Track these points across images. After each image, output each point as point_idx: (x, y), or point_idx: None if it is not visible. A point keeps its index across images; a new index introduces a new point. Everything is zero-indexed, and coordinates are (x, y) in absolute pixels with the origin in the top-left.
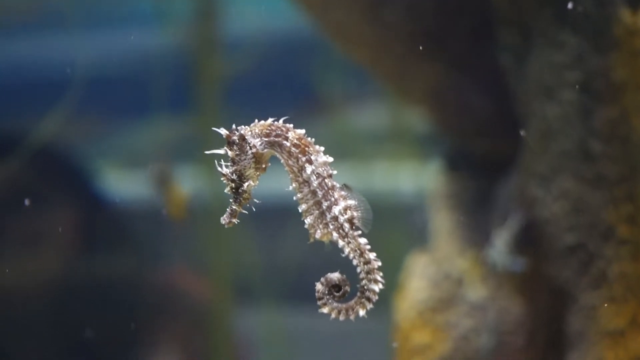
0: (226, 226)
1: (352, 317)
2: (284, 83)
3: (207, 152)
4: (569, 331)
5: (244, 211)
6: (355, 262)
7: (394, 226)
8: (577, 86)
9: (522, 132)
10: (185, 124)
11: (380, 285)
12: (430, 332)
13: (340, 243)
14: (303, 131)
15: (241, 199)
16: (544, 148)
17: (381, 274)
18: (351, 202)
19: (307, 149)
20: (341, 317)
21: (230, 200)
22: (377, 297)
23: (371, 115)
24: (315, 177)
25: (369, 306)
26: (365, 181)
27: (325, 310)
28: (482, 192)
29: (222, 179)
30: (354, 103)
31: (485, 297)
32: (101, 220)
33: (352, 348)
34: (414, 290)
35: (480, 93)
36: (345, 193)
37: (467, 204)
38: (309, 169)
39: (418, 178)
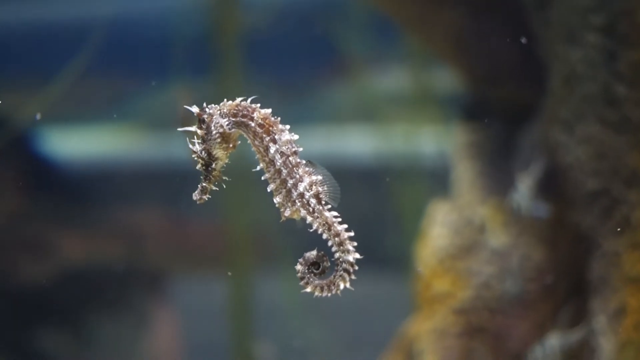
0: (197, 202)
1: (334, 291)
2: (304, 43)
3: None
4: (591, 278)
5: (214, 188)
6: (325, 236)
7: (415, 188)
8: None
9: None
10: (206, 85)
11: (355, 255)
12: (451, 279)
13: (309, 219)
14: (269, 111)
15: (211, 176)
16: (567, 93)
17: (354, 243)
18: (316, 177)
19: (271, 128)
20: (325, 293)
21: (201, 177)
22: (355, 267)
23: (394, 78)
24: (279, 156)
25: (348, 277)
26: (387, 144)
27: (308, 289)
28: (504, 140)
29: (192, 155)
30: (376, 65)
31: (507, 243)
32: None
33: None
34: (435, 237)
35: (503, 38)
36: (310, 169)
37: (489, 152)
38: (272, 148)
39: (440, 141)
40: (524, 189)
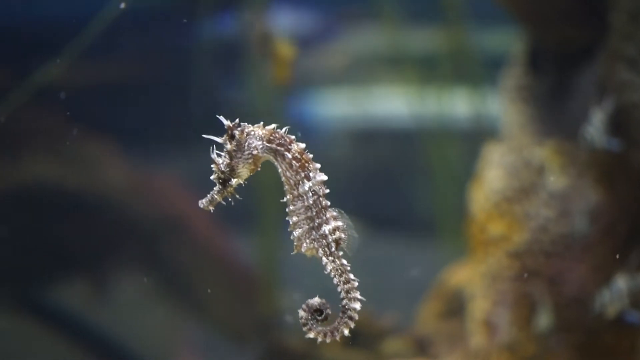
0: (203, 209)
1: (337, 337)
2: None
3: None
4: None
5: (222, 202)
6: (335, 280)
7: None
8: None
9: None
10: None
11: (360, 304)
12: (506, 222)
13: (324, 260)
14: (304, 145)
15: (225, 191)
16: (633, 29)
17: (359, 292)
18: (341, 223)
19: (307, 164)
20: (327, 340)
21: (215, 188)
22: (357, 316)
23: (425, 37)
24: (311, 194)
25: (352, 324)
26: (415, 104)
27: (311, 335)
28: (558, 82)
29: (212, 166)
30: (409, 22)
31: (566, 185)
32: None
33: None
34: (490, 179)
35: None
36: (337, 214)
37: (540, 95)
38: (306, 185)
39: (471, 103)
40: (597, 123)
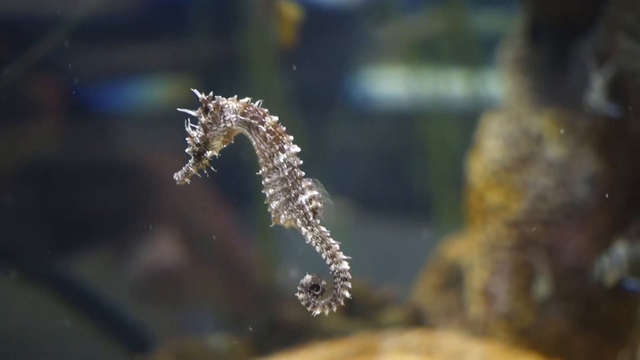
0: (178, 183)
1: (341, 302)
2: None
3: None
4: None
5: (197, 174)
6: (317, 248)
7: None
8: None
9: None
10: None
11: (347, 264)
12: (505, 191)
13: (304, 230)
14: (277, 118)
15: (200, 163)
16: None
17: (342, 253)
18: (316, 192)
19: (280, 137)
20: (334, 309)
21: (190, 161)
22: (350, 274)
23: (423, 19)
24: (286, 166)
25: (349, 285)
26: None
27: (317, 311)
28: (558, 53)
29: (187, 139)
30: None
31: (564, 155)
32: None
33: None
34: (489, 149)
35: None
36: (312, 184)
37: (541, 66)
38: (281, 157)
39: (469, 84)
40: (598, 89)
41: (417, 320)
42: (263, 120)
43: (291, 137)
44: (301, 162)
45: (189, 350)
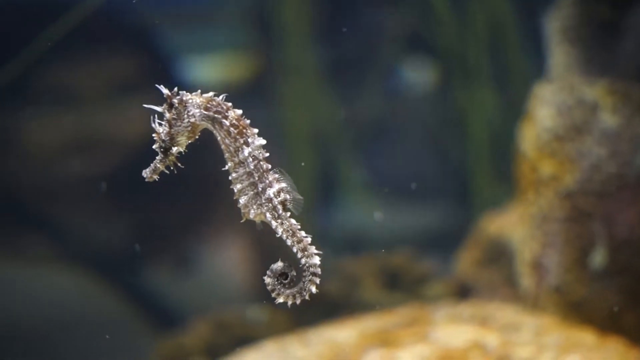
0: (146, 180)
1: (306, 296)
2: None
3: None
4: None
5: (165, 171)
6: (289, 242)
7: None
8: None
9: None
10: None
11: (318, 258)
12: (558, 161)
13: (274, 224)
14: (240, 112)
15: (167, 159)
16: None
17: (314, 247)
18: (284, 185)
19: (244, 130)
20: (298, 301)
21: (157, 157)
22: (320, 270)
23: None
24: (251, 159)
25: (318, 280)
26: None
27: (281, 299)
28: (609, 23)
29: (153, 135)
30: None
31: (618, 124)
32: None
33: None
34: (542, 118)
35: None
36: (279, 176)
37: (590, 36)
38: (246, 151)
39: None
40: None
41: (461, 293)
42: (226, 114)
43: (256, 130)
44: (267, 154)
45: (227, 320)
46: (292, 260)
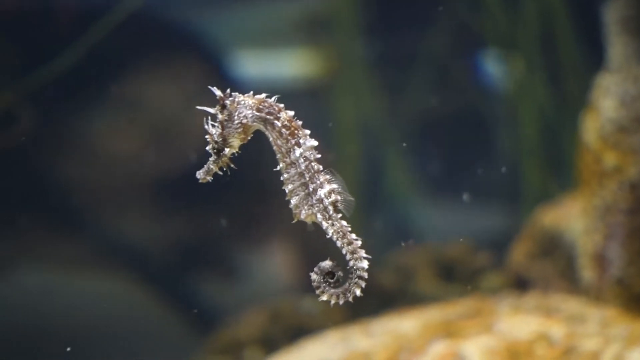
0: (200, 181)
1: (350, 298)
2: None
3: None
4: None
5: (219, 172)
6: (339, 243)
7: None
8: None
9: None
10: None
11: (367, 263)
12: (621, 153)
13: (324, 225)
14: (292, 113)
15: (220, 161)
16: None
17: (364, 251)
18: (335, 186)
19: (296, 131)
20: (340, 302)
21: (210, 159)
22: (367, 274)
23: None
24: (303, 160)
25: (363, 284)
26: None
27: (324, 297)
28: None
29: (206, 137)
30: None
31: None
32: None
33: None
34: (605, 109)
35: None
36: (330, 177)
37: None
38: (297, 151)
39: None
40: None
41: (518, 285)
42: (278, 115)
43: (307, 131)
44: (319, 155)
45: (282, 311)
46: (340, 261)
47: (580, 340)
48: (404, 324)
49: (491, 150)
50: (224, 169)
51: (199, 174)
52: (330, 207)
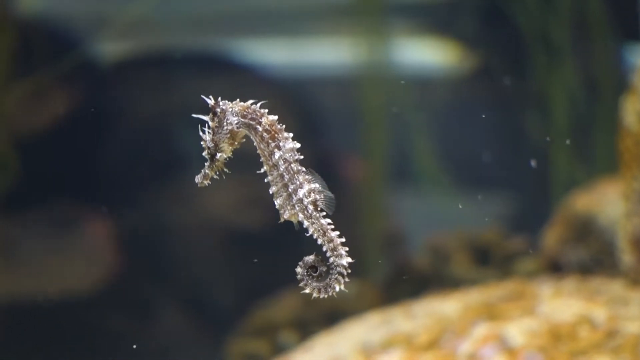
0: (199, 186)
1: (331, 293)
2: None
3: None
4: None
5: (215, 176)
6: (319, 241)
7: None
8: None
9: None
10: None
11: (348, 259)
12: None
13: (305, 223)
14: (275, 118)
15: (214, 165)
16: None
17: (346, 248)
18: (314, 185)
19: (277, 135)
20: (322, 295)
21: (206, 164)
22: (348, 270)
23: None
24: (282, 162)
25: (342, 280)
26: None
27: (307, 290)
28: None
29: (201, 142)
30: None
31: None
32: None
33: None
34: None
35: None
36: (309, 177)
37: None
38: (277, 154)
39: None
40: None
41: (553, 270)
42: (260, 120)
43: (290, 134)
44: (301, 157)
45: None
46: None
47: (623, 323)
48: (446, 306)
49: (521, 136)
50: (218, 173)
51: (197, 179)
52: (310, 207)
